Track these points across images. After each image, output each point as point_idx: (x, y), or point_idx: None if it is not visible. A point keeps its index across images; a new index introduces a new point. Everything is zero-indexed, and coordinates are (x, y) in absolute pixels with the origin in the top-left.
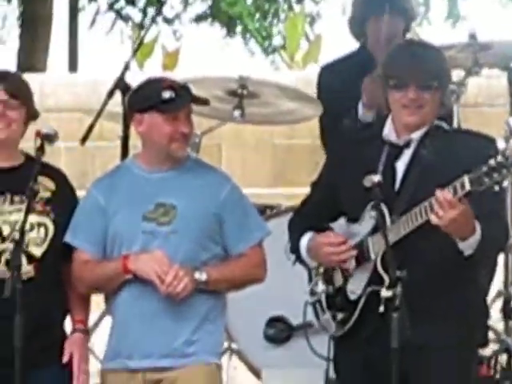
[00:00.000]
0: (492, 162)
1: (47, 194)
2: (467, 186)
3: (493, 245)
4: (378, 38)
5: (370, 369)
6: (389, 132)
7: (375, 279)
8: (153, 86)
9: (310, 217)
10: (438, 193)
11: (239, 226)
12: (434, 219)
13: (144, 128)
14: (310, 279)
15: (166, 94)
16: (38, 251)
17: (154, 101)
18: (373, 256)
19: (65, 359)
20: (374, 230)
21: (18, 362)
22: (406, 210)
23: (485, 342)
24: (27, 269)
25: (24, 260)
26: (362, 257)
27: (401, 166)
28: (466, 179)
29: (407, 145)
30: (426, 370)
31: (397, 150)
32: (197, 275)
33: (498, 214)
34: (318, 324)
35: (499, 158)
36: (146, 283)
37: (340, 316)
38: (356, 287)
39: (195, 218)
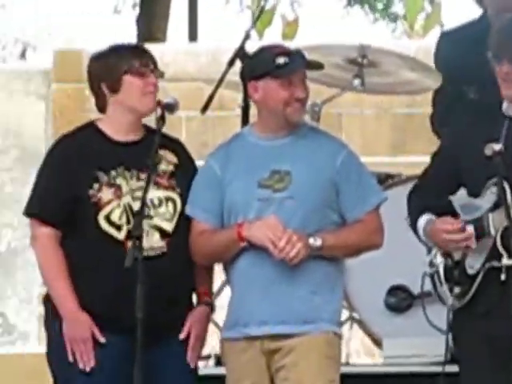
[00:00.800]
0: None
1: (170, 168)
2: None
3: None
4: (498, 6)
5: (490, 342)
6: (507, 107)
7: (494, 255)
8: (266, 52)
9: (429, 192)
10: None
11: (355, 192)
12: None
13: (259, 95)
14: (429, 250)
15: (280, 60)
16: (168, 226)
17: (268, 67)
18: (493, 232)
19: (182, 335)
20: (495, 206)
21: (140, 330)
22: None
23: None
24: (160, 244)
25: (157, 235)
26: (481, 232)
27: None
28: None
29: None
30: None
31: None
32: (311, 241)
33: None
34: (435, 295)
35: None
36: (262, 251)
37: (457, 289)
38: (475, 262)
39: (310, 184)
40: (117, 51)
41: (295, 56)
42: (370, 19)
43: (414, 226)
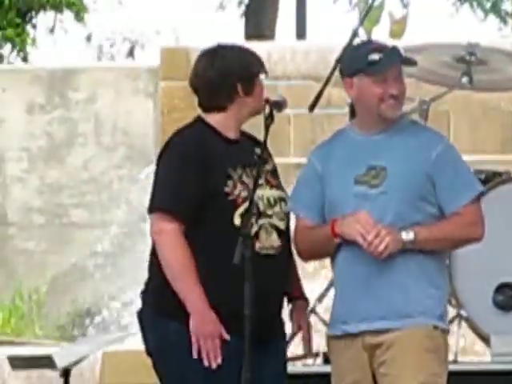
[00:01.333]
0: None
1: (269, 167)
2: None
3: None
4: None
5: None
6: None
7: None
8: (360, 49)
9: None
10: None
11: (451, 185)
12: None
13: (354, 92)
14: None
15: (373, 56)
16: (282, 225)
17: (361, 64)
18: None
19: (296, 329)
20: None
21: (248, 327)
22: None
23: None
24: (279, 243)
25: (275, 235)
26: None
27: None
28: None
29: None
30: None
31: None
32: (403, 235)
33: None
34: None
35: None
36: (357, 247)
37: None
38: None
39: (406, 179)
40: (248, 52)
41: (389, 52)
42: (478, 17)
43: None
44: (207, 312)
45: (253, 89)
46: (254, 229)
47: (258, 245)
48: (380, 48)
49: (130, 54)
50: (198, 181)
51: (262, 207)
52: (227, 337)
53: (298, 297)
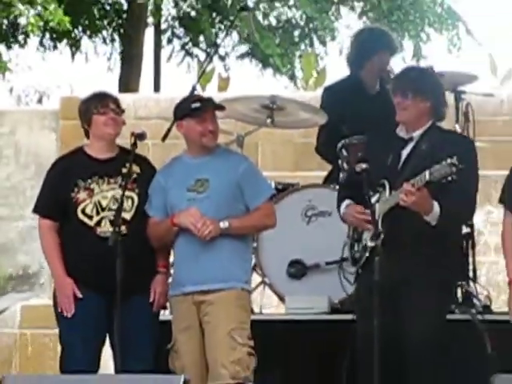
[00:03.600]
0: (444, 162)
1: (134, 176)
2: (426, 178)
3: (452, 216)
4: (376, 69)
5: (373, 292)
6: (399, 130)
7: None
8: (186, 101)
9: (348, 188)
10: (404, 184)
11: (253, 189)
12: (401, 202)
13: (184, 130)
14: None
15: (194, 105)
16: (128, 215)
17: (187, 111)
18: (377, 217)
19: (151, 297)
20: (378, 200)
21: (119, 288)
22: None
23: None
24: (122, 228)
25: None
26: (373, 217)
27: (405, 153)
28: (426, 173)
29: (411, 139)
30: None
31: (403, 142)
32: (221, 224)
33: (462, 192)
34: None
35: (449, 160)
36: (190, 233)
37: (357, 255)
38: (367, 237)
39: (222, 187)
40: (87, 100)
41: (205, 101)
42: (277, 78)
43: (338, 208)
44: (64, 279)
45: (90, 123)
46: (96, 219)
47: (99, 230)
48: (198, 99)
49: (39, 101)
50: (56, 191)
51: (104, 204)
52: (80, 295)
53: (157, 271)
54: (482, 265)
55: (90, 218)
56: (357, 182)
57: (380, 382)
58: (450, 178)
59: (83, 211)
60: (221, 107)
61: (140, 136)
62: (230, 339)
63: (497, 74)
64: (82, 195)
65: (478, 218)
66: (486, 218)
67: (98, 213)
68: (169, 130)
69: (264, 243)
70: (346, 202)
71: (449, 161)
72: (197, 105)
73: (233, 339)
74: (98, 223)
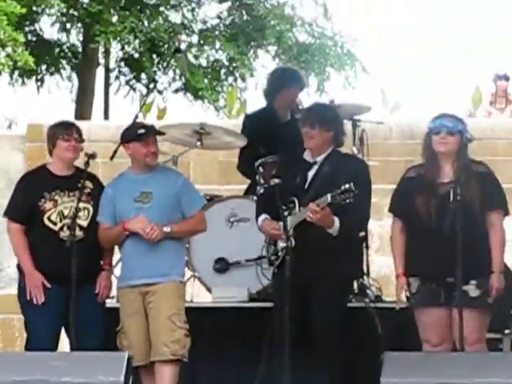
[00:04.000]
0: (343, 188)
1: (88, 190)
2: (328, 200)
3: (349, 229)
4: (287, 101)
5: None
6: (306, 154)
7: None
8: (132, 127)
9: (264, 200)
10: (310, 204)
11: (189, 200)
12: (308, 218)
13: (130, 151)
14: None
15: (139, 131)
16: (84, 223)
17: (134, 136)
18: (289, 228)
19: (97, 290)
20: (290, 214)
21: (74, 282)
22: (309, 203)
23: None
24: (79, 234)
25: (78, 228)
26: (286, 228)
27: (310, 175)
28: (328, 196)
29: (315, 162)
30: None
31: (309, 165)
32: (164, 229)
33: (355, 210)
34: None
35: (347, 186)
36: (139, 236)
37: (273, 258)
38: (281, 243)
39: (163, 198)
40: (55, 126)
41: (149, 128)
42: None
43: (257, 219)
44: (33, 272)
45: (55, 146)
46: (59, 225)
47: (61, 234)
48: (143, 126)
49: (9, 127)
50: (23, 198)
51: (66, 213)
52: (49, 285)
53: (103, 268)
54: (374, 262)
55: (55, 224)
56: (271, 194)
57: (290, 357)
58: (347, 201)
59: (49, 218)
60: (161, 133)
61: (92, 156)
62: (170, 323)
63: (387, 105)
64: (48, 205)
65: (372, 225)
66: (379, 225)
67: (61, 220)
68: (115, 151)
69: (194, 244)
70: (263, 216)
71: (347, 186)
72: (142, 131)
73: (173, 323)
74: (61, 228)
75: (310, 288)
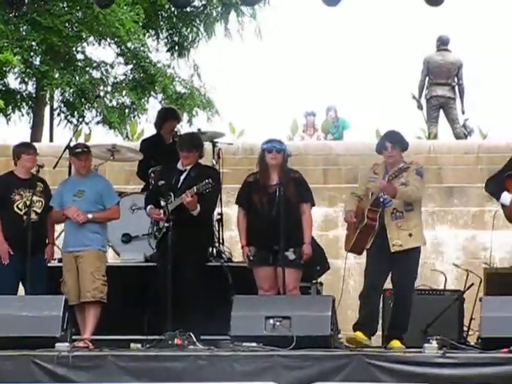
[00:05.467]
0: (204, 182)
1: (40, 189)
2: (195, 190)
3: (206, 212)
4: (169, 130)
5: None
6: (179, 165)
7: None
8: (73, 147)
9: (152, 195)
10: (186, 192)
11: (108, 197)
12: (184, 202)
13: (72, 163)
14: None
15: (77, 149)
16: (38, 210)
17: (73, 153)
18: (169, 211)
19: (46, 256)
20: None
21: (29, 249)
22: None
23: None
24: (34, 217)
25: (33, 214)
26: (167, 212)
27: (181, 178)
28: (194, 188)
29: (185, 170)
30: None
31: (181, 172)
32: (89, 215)
33: (210, 200)
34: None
35: (207, 181)
36: (70, 220)
37: (157, 233)
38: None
39: (91, 195)
40: (20, 145)
41: (84, 147)
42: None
43: (145, 208)
44: (2, 242)
45: (19, 159)
46: (23, 211)
47: (24, 218)
48: (80, 145)
49: None
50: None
51: (28, 203)
52: (11, 252)
53: (49, 242)
54: (230, 237)
55: (21, 210)
56: (157, 191)
57: (169, 303)
58: (207, 190)
59: (17, 206)
60: (90, 151)
61: (41, 166)
62: (92, 276)
63: (235, 132)
64: (17, 197)
65: (225, 210)
66: (230, 209)
67: (24, 208)
68: (57, 163)
69: (109, 224)
70: (150, 206)
71: (206, 181)
72: (79, 150)
73: (93, 276)
74: (25, 214)
75: (181, 252)
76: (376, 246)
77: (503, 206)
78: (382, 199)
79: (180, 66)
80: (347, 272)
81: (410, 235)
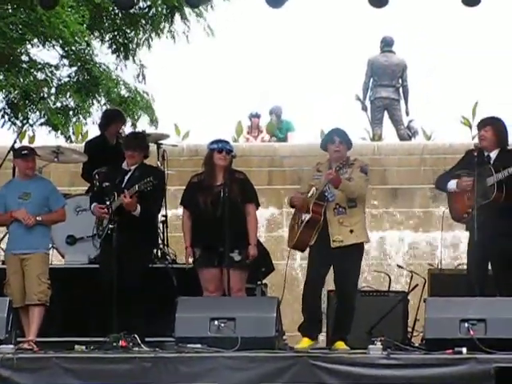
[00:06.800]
0: (145, 180)
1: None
2: (136, 189)
3: (147, 213)
4: (114, 131)
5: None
6: (124, 165)
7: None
8: (18, 149)
9: (97, 195)
10: (125, 192)
11: (55, 200)
12: (123, 203)
13: (17, 165)
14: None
15: (22, 151)
16: None
17: (19, 155)
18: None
19: None
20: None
21: None
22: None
23: None
24: None
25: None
26: (110, 211)
27: (126, 178)
28: (136, 186)
29: (130, 170)
30: None
31: (126, 172)
32: (38, 218)
33: (153, 200)
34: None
35: (149, 179)
36: (19, 221)
37: (101, 233)
38: (106, 222)
39: (38, 197)
40: (15, 151)
41: (29, 150)
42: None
43: (90, 206)
44: None
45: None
46: None
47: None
48: (25, 148)
49: None
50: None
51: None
52: None
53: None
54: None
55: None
56: (103, 192)
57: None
58: (149, 188)
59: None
60: (37, 154)
61: None
62: (38, 279)
63: (180, 134)
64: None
65: (170, 213)
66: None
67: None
68: (1, 165)
69: (54, 226)
70: (94, 203)
71: (148, 179)
72: (25, 152)
73: (39, 279)
74: None
75: (124, 253)
76: (318, 242)
77: (450, 193)
78: (326, 193)
79: (127, 68)
80: (293, 272)
81: (352, 231)
